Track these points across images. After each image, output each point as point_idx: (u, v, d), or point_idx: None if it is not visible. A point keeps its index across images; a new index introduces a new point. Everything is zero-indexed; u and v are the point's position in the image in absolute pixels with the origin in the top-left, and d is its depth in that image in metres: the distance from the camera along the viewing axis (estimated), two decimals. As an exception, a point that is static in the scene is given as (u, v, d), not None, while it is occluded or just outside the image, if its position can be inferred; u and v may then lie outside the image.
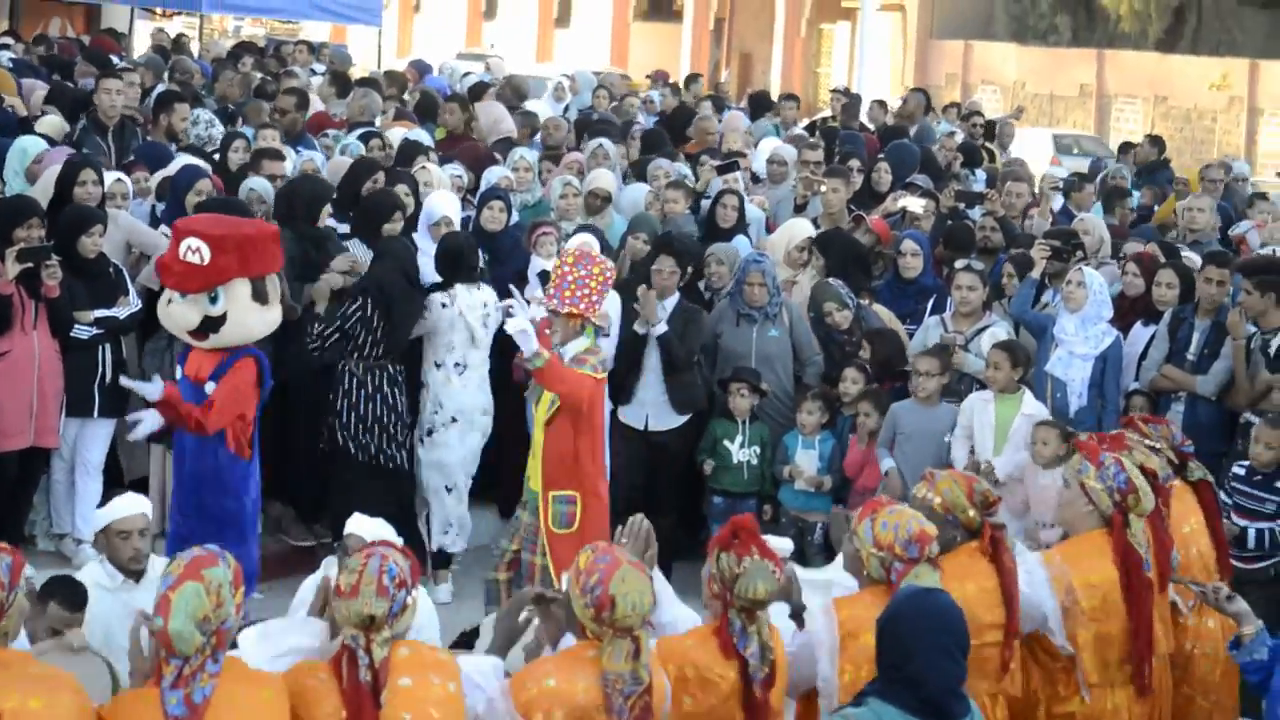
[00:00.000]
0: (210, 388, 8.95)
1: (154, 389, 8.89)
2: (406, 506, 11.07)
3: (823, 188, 14.18)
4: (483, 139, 17.19)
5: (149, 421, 8.93)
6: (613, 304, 11.28)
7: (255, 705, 5.61)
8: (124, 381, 9.43)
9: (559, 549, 9.22)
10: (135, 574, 7.96)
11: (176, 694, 5.40)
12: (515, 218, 13.15)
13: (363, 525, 8.07)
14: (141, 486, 11.28)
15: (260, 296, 9.04)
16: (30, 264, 10.26)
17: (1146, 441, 8.11)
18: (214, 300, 8.87)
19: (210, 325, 8.93)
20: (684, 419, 11.53)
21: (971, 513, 7.10)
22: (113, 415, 10.99)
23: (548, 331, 9.50)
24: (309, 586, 8.21)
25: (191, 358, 9.10)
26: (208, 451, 9.07)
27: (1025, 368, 10.82)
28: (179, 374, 9.16)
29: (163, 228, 11.87)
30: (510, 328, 9.34)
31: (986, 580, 6.94)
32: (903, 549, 6.61)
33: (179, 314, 9.00)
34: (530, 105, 19.75)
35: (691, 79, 25.98)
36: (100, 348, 10.80)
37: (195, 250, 8.81)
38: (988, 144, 20.28)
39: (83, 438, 10.99)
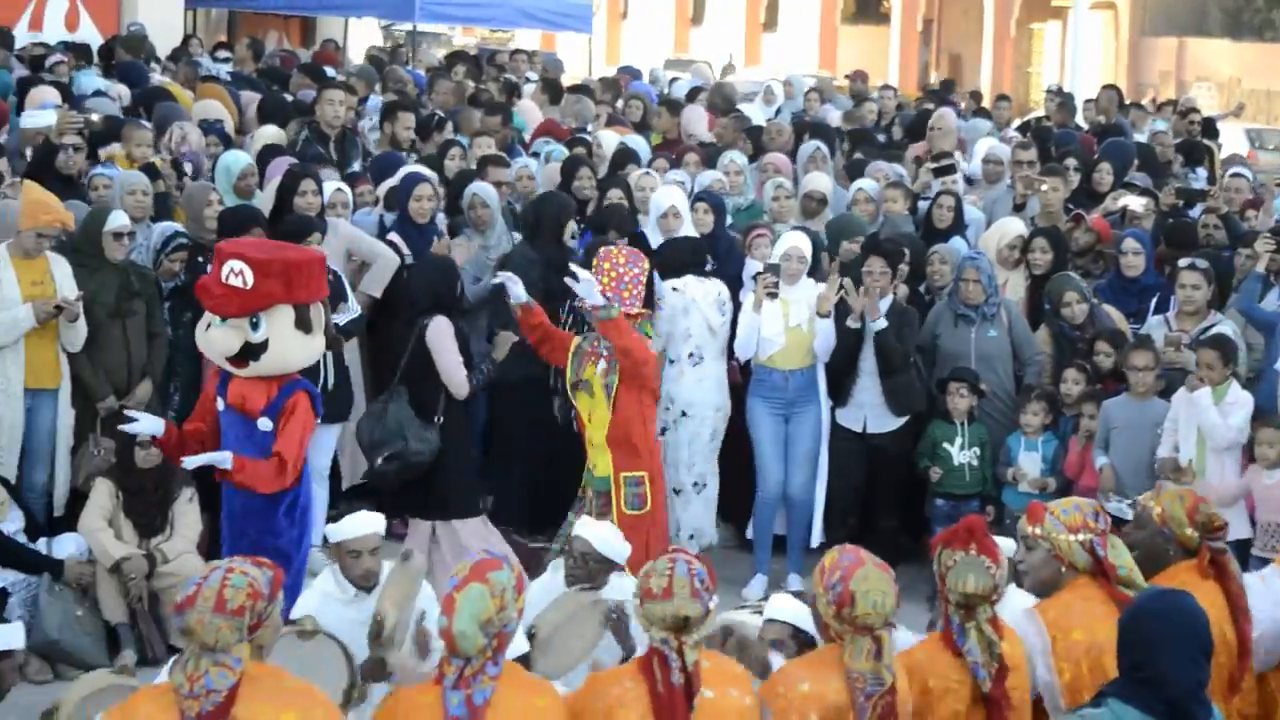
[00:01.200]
0: (264, 423, 8.63)
1: (224, 458, 8.56)
2: None
3: (1043, 186, 14.03)
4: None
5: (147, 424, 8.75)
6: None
7: (533, 711, 5.67)
8: (189, 463, 8.67)
9: (630, 531, 9.11)
10: (367, 588, 7.80)
11: (458, 694, 5.49)
12: (728, 220, 13.15)
13: (590, 529, 8.10)
14: (362, 492, 11.45)
15: (304, 324, 8.67)
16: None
17: None
18: (255, 326, 8.52)
19: (250, 352, 8.56)
20: (902, 421, 11.46)
21: (1189, 531, 6.93)
22: (336, 421, 11.20)
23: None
24: (536, 589, 8.26)
25: (233, 386, 8.72)
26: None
27: (1235, 362, 10.64)
28: (221, 405, 8.77)
29: (391, 235, 12.08)
30: (579, 278, 9.58)
31: (1208, 599, 6.75)
32: (1094, 521, 6.63)
33: (219, 339, 8.63)
34: (741, 109, 19.71)
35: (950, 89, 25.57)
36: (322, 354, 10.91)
37: (238, 273, 8.46)
38: (1207, 141, 19.91)
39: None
